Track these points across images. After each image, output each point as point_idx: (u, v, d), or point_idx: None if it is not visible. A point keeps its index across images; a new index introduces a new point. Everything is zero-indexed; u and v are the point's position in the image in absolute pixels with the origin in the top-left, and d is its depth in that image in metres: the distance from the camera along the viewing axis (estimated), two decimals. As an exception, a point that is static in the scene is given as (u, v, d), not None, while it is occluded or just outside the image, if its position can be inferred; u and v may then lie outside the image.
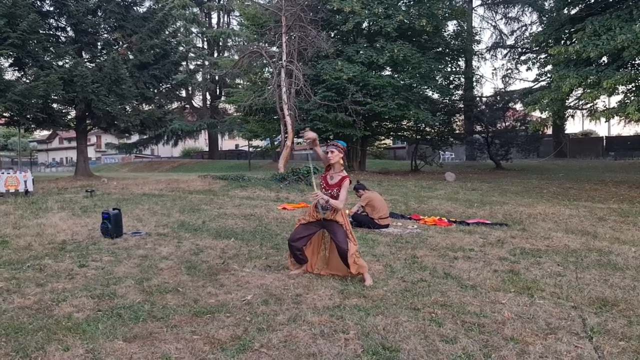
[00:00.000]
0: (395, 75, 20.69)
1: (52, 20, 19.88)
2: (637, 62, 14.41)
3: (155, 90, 21.68)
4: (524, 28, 31.08)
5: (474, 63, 25.94)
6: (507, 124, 24.79)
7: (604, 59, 14.46)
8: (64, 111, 20.44)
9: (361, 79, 18.86)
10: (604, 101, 28.92)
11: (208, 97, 43.73)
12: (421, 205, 10.84)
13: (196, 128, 39.35)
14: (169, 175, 24.16)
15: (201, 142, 55.28)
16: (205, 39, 40.87)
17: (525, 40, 28.26)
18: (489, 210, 9.89)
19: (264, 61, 20.53)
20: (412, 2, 20.80)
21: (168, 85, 22.55)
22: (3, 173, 12.33)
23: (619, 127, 67.19)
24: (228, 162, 40.20)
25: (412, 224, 8.42)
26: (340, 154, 4.95)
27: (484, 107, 25.13)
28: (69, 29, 20.19)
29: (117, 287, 4.63)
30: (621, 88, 13.96)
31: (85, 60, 20.06)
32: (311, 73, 18.83)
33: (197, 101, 46.13)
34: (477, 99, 25.83)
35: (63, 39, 20.21)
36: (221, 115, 41.35)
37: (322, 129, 19.01)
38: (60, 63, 19.14)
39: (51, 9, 19.57)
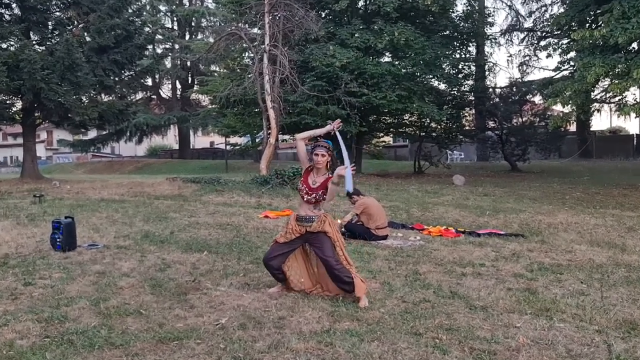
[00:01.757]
0: (396, 63, 20.77)
1: (-6, -4, 19.73)
2: (672, 49, 14.61)
3: (117, 78, 21.57)
4: (543, 9, 31.31)
5: (487, 49, 26.21)
6: (524, 119, 24.97)
7: (634, 45, 14.65)
8: (8, 102, 20.25)
9: (356, 66, 18.91)
10: (634, 94, 29.23)
11: (178, 86, 43.58)
12: (425, 213, 10.88)
13: (164, 122, 39.23)
14: (131, 177, 24.01)
15: (170, 138, 55.09)
16: (175, 19, 40.80)
17: (545, 23, 28.50)
18: (503, 219, 9.96)
19: (244, 45, 20.49)
20: (415, -22, 20.91)
21: (131, 73, 22.45)
22: None
23: (652, 124, 68.02)
24: (201, 162, 40.08)
25: (415, 235, 8.45)
26: (328, 157, 4.97)
27: (497, 99, 25.27)
28: (14, 5, 20.02)
29: (69, 309, 4.59)
30: (654, 79, 14.13)
31: (34, 42, 19.90)
32: (298, 59, 18.84)
33: (166, 91, 45.97)
34: (490, 90, 25.97)
35: (7, 17, 20.04)
36: (193, 107, 41.23)
37: (310, 124, 19.02)
38: (4, 45, 18.98)
39: (-6, -18, 19.43)
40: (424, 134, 23.95)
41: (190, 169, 34.04)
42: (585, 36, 14.06)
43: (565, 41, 18.43)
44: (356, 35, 19.61)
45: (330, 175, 4.93)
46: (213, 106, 29.76)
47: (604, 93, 17.92)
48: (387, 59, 22.05)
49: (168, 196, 13.60)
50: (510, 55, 63.27)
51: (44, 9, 20.05)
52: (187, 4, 41.18)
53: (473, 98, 24.73)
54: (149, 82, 42.07)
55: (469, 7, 23.60)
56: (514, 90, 25.48)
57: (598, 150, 31.24)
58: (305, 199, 4.93)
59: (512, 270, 6.02)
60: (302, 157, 5.04)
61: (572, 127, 29.58)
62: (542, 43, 23.83)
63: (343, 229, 8.26)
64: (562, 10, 24.54)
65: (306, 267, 5.10)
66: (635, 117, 16.13)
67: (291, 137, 28.57)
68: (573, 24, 17.00)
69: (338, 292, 4.96)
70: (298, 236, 4.95)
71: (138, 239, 7.80)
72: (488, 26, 24.58)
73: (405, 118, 24.07)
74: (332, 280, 4.89)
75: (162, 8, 39.42)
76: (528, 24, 31.80)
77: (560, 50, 18.26)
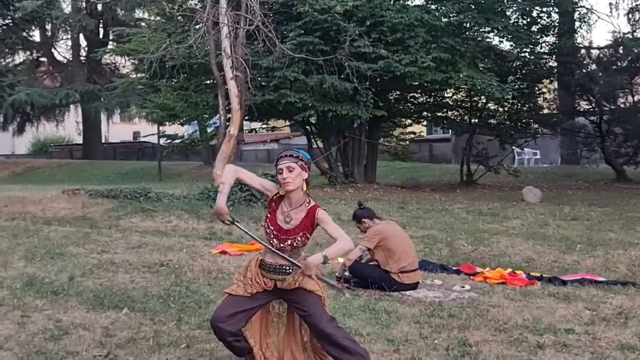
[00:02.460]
0: (432, 7, 20.82)
1: None
2: None
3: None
4: None
5: (577, -14, 26.22)
6: (636, 98, 25.01)
7: None
8: None
9: (369, 13, 18.94)
10: None
11: (83, 43, 43.49)
12: (479, 247, 10.88)
13: (60, 101, 38.99)
14: (7, 188, 23.90)
15: (70, 127, 54.77)
16: None
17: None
18: (603, 258, 9.97)
19: (189, -22, 20.50)
20: None
21: (7, 22, 22.46)
22: None
23: None
24: (120, 164, 39.97)
25: (462, 282, 8.45)
26: (305, 172, 4.82)
27: (594, 66, 25.28)
28: None
29: None
30: None
31: None
32: (276, 1, 18.87)
33: (63, 51, 45.83)
34: (583, 51, 25.98)
35: None
36: (107, 77, 41.09)
37: (295, 104, 19.04)
38: None
39: None
40: (476, 120, 23.95)
41: (102, 176, 33.90)
42: None
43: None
44: (369, -38, 19.66)
45: (315, 205, 4.86)
46: (138, 76, 29.64)
47: None
48: (417, 1, 22.10)
49: (66, 219, 13.52)
50: (614, -3, 63.25)
51: None
52: None
53: (555, 64, 24.75)
54: (36, 36, 41.91)
55: None
56: (620, 51, 25.52)
57: None
58: (269, 239, 4.88)
59: (617, 340, 6.02)
60: (263, 184, 4.97)
61: None
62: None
63: (347, 274, 8.26)
64: None
65: (261, 329, 5.08)
66: None
67: (263, 126, 28.60)
68: None
69: None
70: (262, 291, 4.90)
71: (16, 289, 7.73)
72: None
73: (447, 95, 24.07)
74: (331, 355, 4.86)
75: None
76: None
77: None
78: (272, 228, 4.84)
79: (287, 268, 4.80)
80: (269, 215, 4.91)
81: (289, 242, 4.78)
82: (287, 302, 4.97)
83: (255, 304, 4.94)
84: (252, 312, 4.96)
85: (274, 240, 4.81)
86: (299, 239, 4.78)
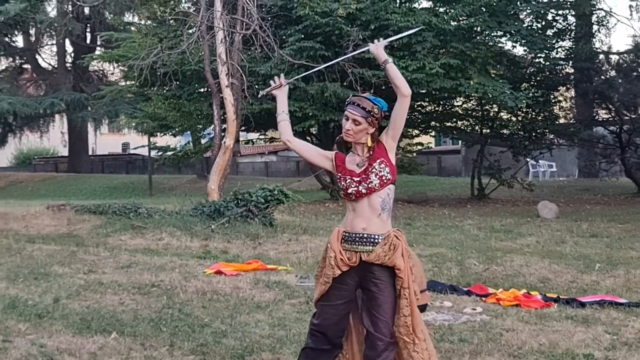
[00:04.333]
0: (441, 10, 20.86)
1: None
2: None
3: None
4: None
5: (595, -13, 26.28)
6: (659, 106, 25.01)
7: None
8: None
9: (373, 16, 18.98)
10: None
11: (69, 49, 43.55)
12: (491, 266, 10.87)
13: (45, 110, 39.05)
14: (-13, 204, 23.94)
15: (54, 138, 54.85)
16: None
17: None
18: (624, 278, 9.95)
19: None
20: None
21: (-12, 26, 22.51)
22: None
23: None
24: (108, 178, 39.95)
25: (473, 304, 8.44)
26: (372, 127, 4.64)
27: (613, 73, 25.28)
28: None
29: None
30: None
31: None
32: (274, 3, 18.92)
33: (47, 57, 45.89)
34: (602, 57, 25.99)
35: None
36: (94, 85, 41.12)
37: (295, 114, 19.05)
38: None
39: None
40: (488, 130, 23.94)
41: (89, 190, 33.91)
42: None
43: None
44: (373, -37, 19.71)
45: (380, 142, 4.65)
46: (128, 83, 29.69)
47: None
48: (424, 3, 22.16)
49: (50, 237, 13.50)
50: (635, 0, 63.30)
51: None
52: None
53: (572, 70, 24.76)
54: (19, 42, 42.02)
55: None
56: (643, 57, 25.56)
57: None
58: (350, 193, 4.60)
59: (639, 366, 6.02)
60: (313, 155, 4.87)
61: None
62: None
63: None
64: None
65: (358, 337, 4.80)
66: None
67: (261, 137, 28.57)
68: None
69: None
70: (347, 270, 4.56)
71: (-2, 312, 7.75)
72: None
73: (456, 104, 24.09)
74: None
75: None
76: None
77: None
78: (344, 174, 4.63)
79: (375, 236, 4.55)
80: (339, 173, 4.68)
81: (373, 176, 4.56)
82: (365, 292, 4.61)
83: (347, 297, 4.67)
84: (348, 311, 4.71)
85: (354, 188, 4.56)
86: (377, 180, 4.55)
